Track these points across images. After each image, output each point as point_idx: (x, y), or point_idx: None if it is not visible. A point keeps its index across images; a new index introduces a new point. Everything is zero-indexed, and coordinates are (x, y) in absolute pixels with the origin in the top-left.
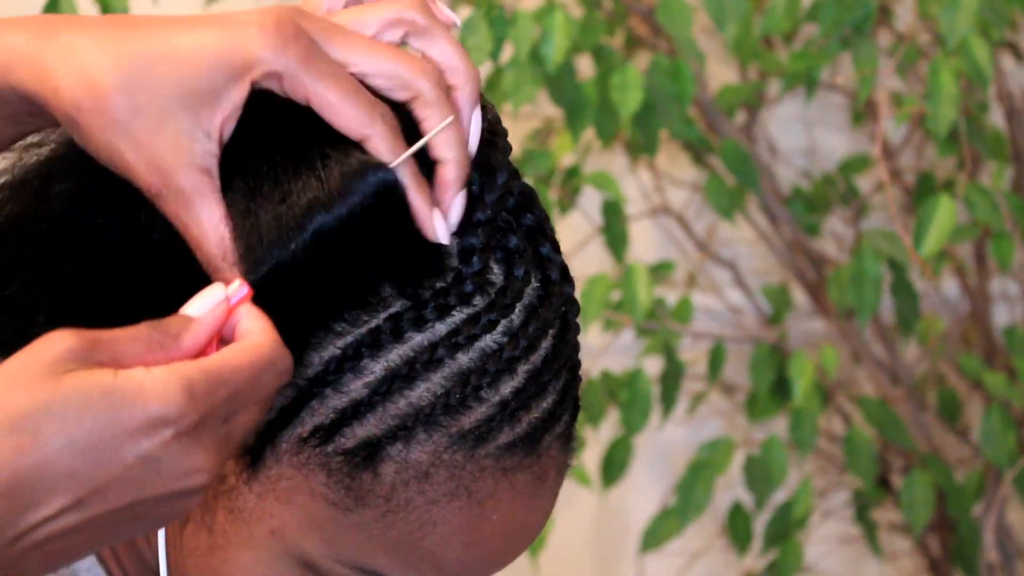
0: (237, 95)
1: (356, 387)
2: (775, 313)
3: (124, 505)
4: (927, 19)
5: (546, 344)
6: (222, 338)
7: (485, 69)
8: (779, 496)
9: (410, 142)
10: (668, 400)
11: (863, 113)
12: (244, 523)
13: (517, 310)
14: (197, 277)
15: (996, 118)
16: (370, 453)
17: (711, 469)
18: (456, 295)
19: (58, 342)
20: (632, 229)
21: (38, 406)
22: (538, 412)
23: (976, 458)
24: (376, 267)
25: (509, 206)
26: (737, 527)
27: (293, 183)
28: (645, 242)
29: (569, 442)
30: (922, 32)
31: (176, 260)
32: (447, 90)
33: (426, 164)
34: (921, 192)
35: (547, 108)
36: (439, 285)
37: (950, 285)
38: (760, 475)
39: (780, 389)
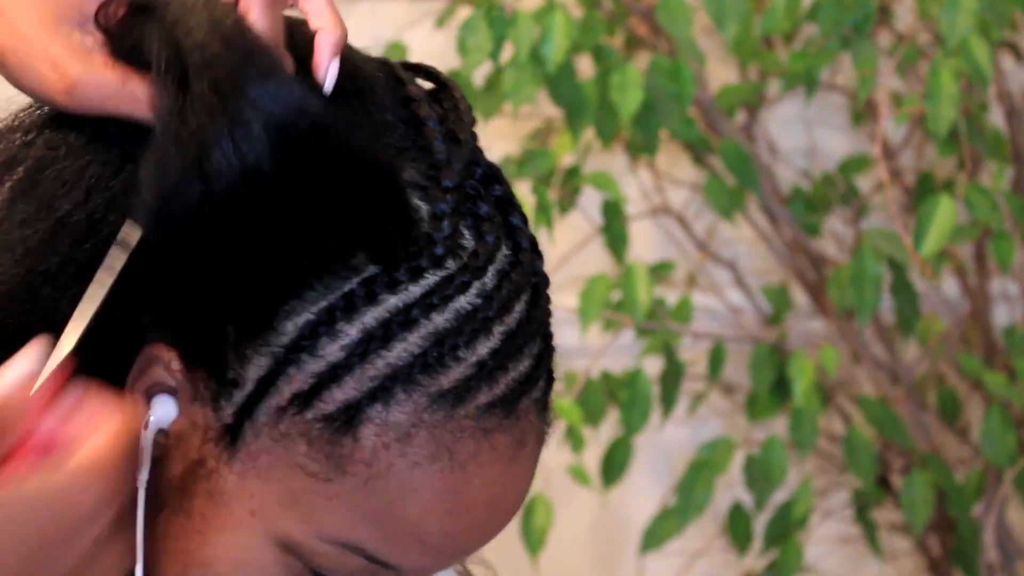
0: None
1: (332, 350)
2: (775, 313)
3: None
4: (927, 19)
5: (519, 308)
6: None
7: (485, 69)
8: (779, 496)
9: None
10: (668, 400)
11: (863, 113)
12: (224, 505)
13: (489, 273)
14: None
15: (996, 118)
16: (350, 416)
17: (711, 469)
18: (428, 258)
19: None
20: (632, 229)
21: None
22: (515, 374)
23: (976, 458)
24: (346, 234)
25: (477, 176)
26: (737, 527)
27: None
28: (645, 242)
29: (546, 410)
30: (922, 32)
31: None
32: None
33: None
34: (921, 192)
35: (547, 108)
36: (411, 249)
37: (950, 285)
38: (760, 475)
39: (780, 389)
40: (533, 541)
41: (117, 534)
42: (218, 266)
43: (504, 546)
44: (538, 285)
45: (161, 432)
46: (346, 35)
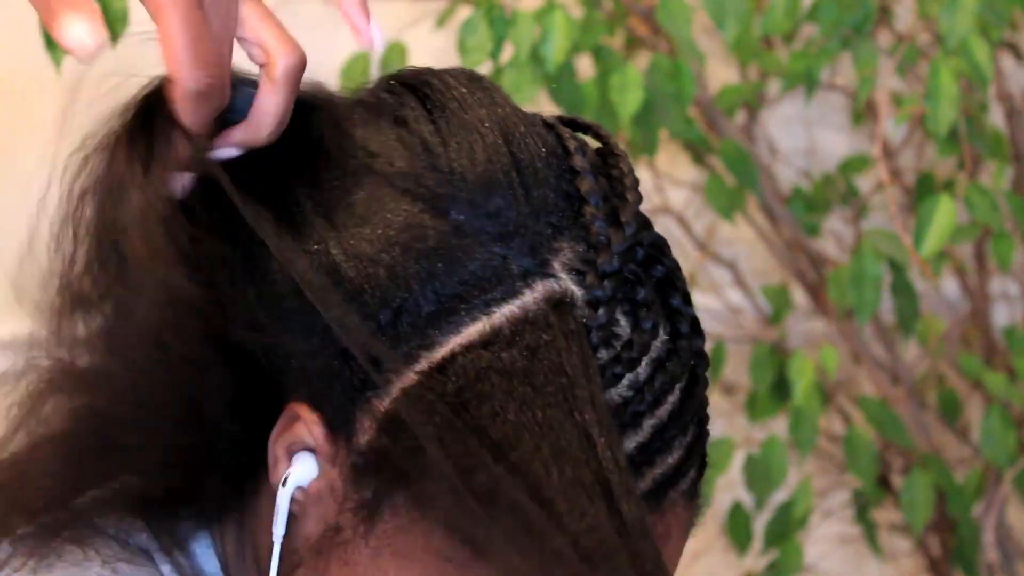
0: None
1: None
2: (775, 313)
3: None
4: (927, 19)
5: (673, 399)
6: None
7: (485, 69)
8: (779, 496)
9: None
10: None
11: (863, 113)
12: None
13: (643, 364)
14: None
15: (996, 118)
16: None
17: (711, 469)
18: None
19: None
20: None
21: None
22: (663, 468)
23: (976, 458)
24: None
25: (638, 258)
26: (737, 527)
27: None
28: None
29: (694, 499)
30: (922, 32)
31: None
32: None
33: None
34: (921, 192)
35: (547, 108)
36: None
37: (950, 285)
38: (760, 475)
39: (780, 389)
40: None
41: None
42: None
43: None
44: (695, 369)
45: (300, 489)
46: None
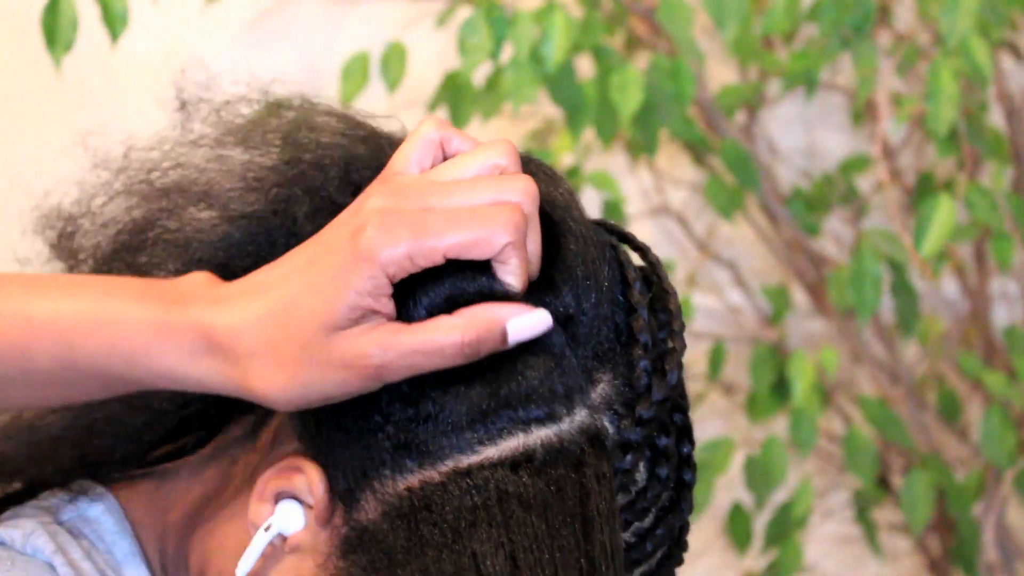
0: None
1: None
2: (775, 313)
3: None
4: (927, 19)
5: (663, 550)
6: None
7: (485, 69)
8: (779, 496)
9: None
10: None
11: (863, 113)
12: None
13: (651, 515)
14: None
15: (996, 118)
16: None
17: (711, 469)
18: None
19: None
20: (632, 229)
21: None
22: None
23: (976, 458)
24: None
25: (667, 406)
26: (737, 527)
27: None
28: (645, 242)
29: None
30: (922, 32)
31: None
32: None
33: None
34: (921, 192)
35: (547, 108)
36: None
37: (950, 285)
38: (760, 475)
39: (780, 389)
40: None
41: None
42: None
43: None
44: (684, 526)
45: (279, 535)
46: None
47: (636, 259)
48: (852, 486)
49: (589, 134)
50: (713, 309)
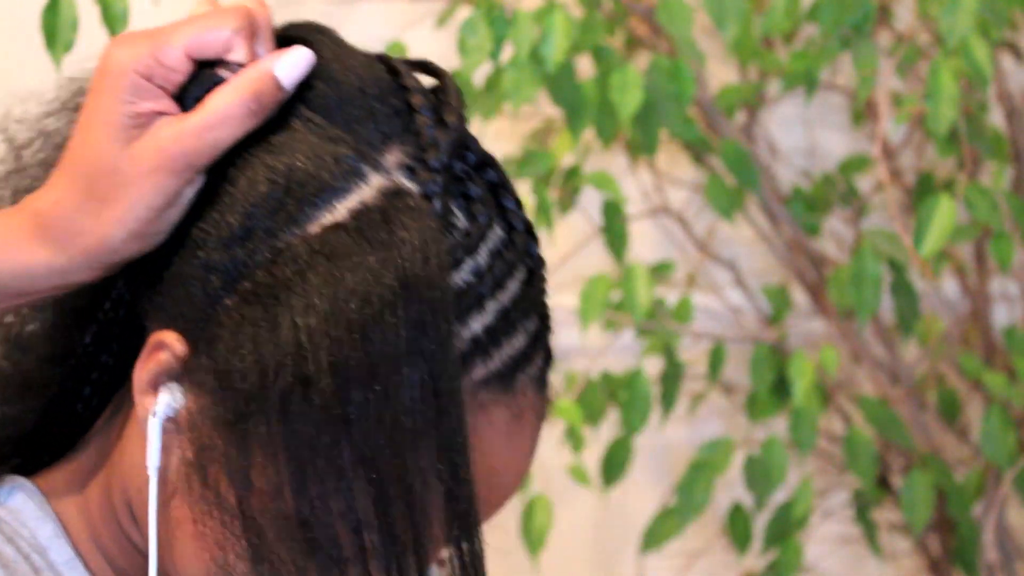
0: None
1: None
2: (775, 313)
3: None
4: (927, 19)
5: (513, 286)
6: None
7: (485, 69)
8: (779, 496)
9: None
10: (668, 400)
11: (863, 113)
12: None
13: (482, 251)
14: None
15: (996, 118)
16: None
17: (711, 469)
18: None
19: None
20: (632, 229)
21: None
22: (510, 350)
23: (976, 458)
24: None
25: (469, 160)
26: (737, 527)
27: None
28: (645, 242)
29: (544, 389)
30: (922, 32)
31: None
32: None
33: None
34: (921, 192)
35: (547, 108)
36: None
37: (950, 285)
38: (760, 475)
39: (780, 389)
40: (533, 541)
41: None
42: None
43: (504, 546)
44: (533, 268)
45: (170, 420)
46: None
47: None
48: (852, 486)
49: (589, 134)
50: (713, 309)
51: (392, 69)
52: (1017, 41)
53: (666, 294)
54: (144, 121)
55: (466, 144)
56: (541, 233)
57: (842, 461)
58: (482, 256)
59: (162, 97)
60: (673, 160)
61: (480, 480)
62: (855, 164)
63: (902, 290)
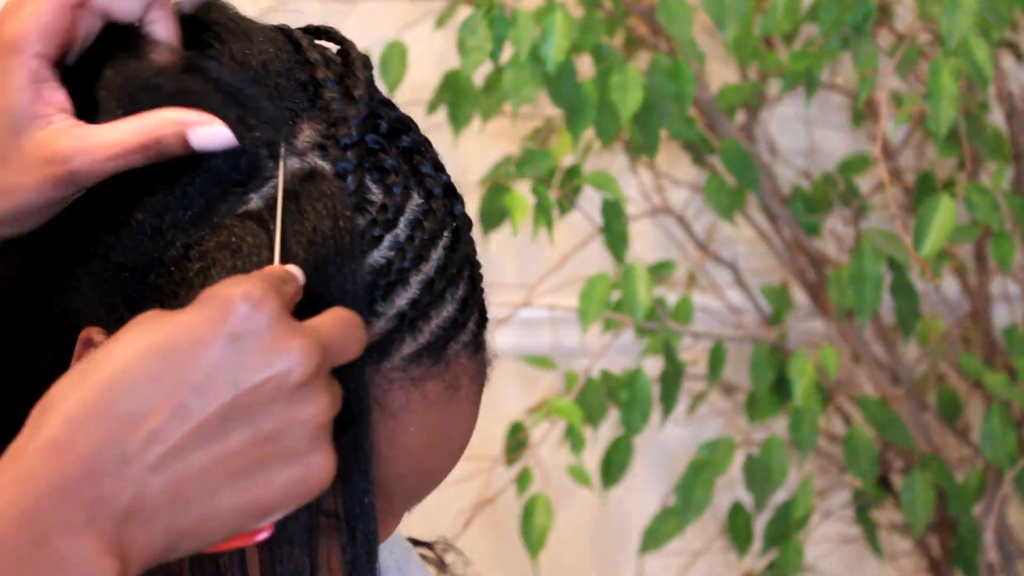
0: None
1: None
2: (775, 313)
3: (227, 407)
4: (927, 19)
5: (436, 255)
6: None
7: (485, 69)
8: (779, 496)
9: None
10: (668, 400)
11: (863, 113)
12: None
13: (401, 224)
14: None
15: (996, 118)
16: None
17: (711, 469)
18: None
19: None
20: (632, 229)
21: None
22: (439, 320)
23: (976, 458)
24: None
25: (381, 130)
26: (737, 527)
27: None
28: (645, 242)
29: (479, 351)
30: (922, 32)
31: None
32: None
33: None
34: (921, 192)
35: (547, 108)
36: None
37: (950, 285)
38: (760, 475)
39: (780, 389)
40: (533, 541)
41: None
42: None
43: (504, 546)
44: (458, 229)
45: None
46: None
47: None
48: (852, 486)
49: (589, 134)
50: (713, 309)
51: (294, 42)
52: (1017, 41)
53: (666, 294)
54: (40, 113)
55: (376, 113)
56: (541, 233)
57: (842, 461)
58: (401, 229)
59: (58, 89)
60: (673, 160)
61: (419, 453)
62: (855, 164)
63: (902, 290)
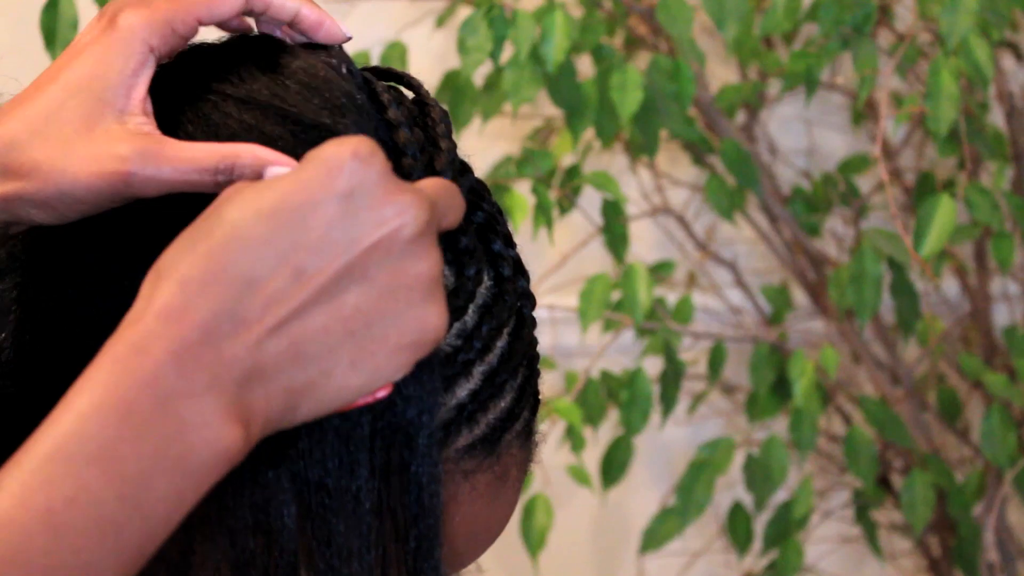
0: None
1: None
2: (775, 313)
3: (344, 266)
4: (927, 19)
5: (501, 343)
6: None
7: (485, 69)
8: (779, 496)
9: None
10: (668, 400)
11: (863, 113)
12: None
13: (470, 311)
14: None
15: (996, 118)
16: None
17: (711, 469)
18: None
19: None
20: (632, 229)
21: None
22: (496, 412)
23: (976, 458)
24: None
25: None
26: (737, 527)
27: None
28: (645, 242)
29: (530, 438)
30: (922, 32)
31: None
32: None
33: None
34: (921, 192)
35: (547, 108)
36: None
37: (950, 285)
38: (760, 475)
39: (780, 389)
40: (533, 541)
41: None
42: None
43: (504, 546)
44: (522, 311)
45: None
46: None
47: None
48: (852, 486)
49: (589, 134)
50: (713, 309)
51: (376, 96)
52: (1017, 41)
53: (666, 294)
54: (127, 114)
55: (458, 186)
56: (541, 233)
57: (842, 461)
58: (470, 317)
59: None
60: (673, 160)
61: (459, 541)
62: (855, 164)
63: (902, 290)
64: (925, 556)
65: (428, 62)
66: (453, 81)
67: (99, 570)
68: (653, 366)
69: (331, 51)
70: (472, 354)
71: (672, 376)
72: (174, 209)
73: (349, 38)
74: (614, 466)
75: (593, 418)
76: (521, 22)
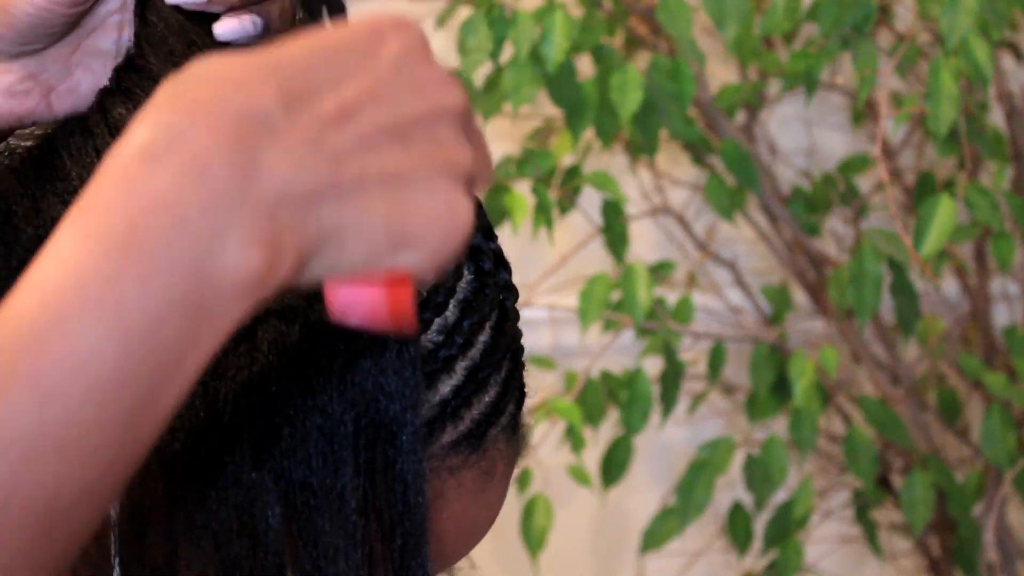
0: None
1: None
2: (775, 313)
3: (386, 121)
4: (927, 19)
5: (484, 338)
6: None
7: (485, 69)
8: (779, 496)
9: None
10: (668, 400)
11: (863, 113)
12: None
13: (451, 307)
14: None
15: (996, 118)
16: None
17: (711, 469)
18: None
19: None
20: (632, 229)
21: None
22: (480, 407)
23: (976, 458)
24: None
25: None
26: (737, 527)
27: None
28: (645, 242)
29: (516, 432)
30: (922, 32)
31: None
32: None
33: None
34: (921, 192)
35: (547, 108)
36: None
37: (950, 285)
38: (760, 475)
39: (780, 389)
40: (533, 541)
41: None
42: None
43: (504, 546)
44: (504, 304)
45: None
46: None
47: None
48: (852, 486)
49: (589, 134)
50: (713, 309)
51: None
52: (1017, 41)
53: (666, 294)
54: None
55: None
56: (541, 233)
57: (842, 461)
58: (451, 312)
59: None
60: (673, 160)
61: (447, 537)
62: (855, 164)
63: (902, 290)
64: (925, 556)
65: None
66: None
67: (95, 447)
68: (653, 366)
69: None
70: (454, 350)
71: (672, 376)
72: None
73: None
74: (614, 466)
75: (593, 418)
76: (521, 22)
